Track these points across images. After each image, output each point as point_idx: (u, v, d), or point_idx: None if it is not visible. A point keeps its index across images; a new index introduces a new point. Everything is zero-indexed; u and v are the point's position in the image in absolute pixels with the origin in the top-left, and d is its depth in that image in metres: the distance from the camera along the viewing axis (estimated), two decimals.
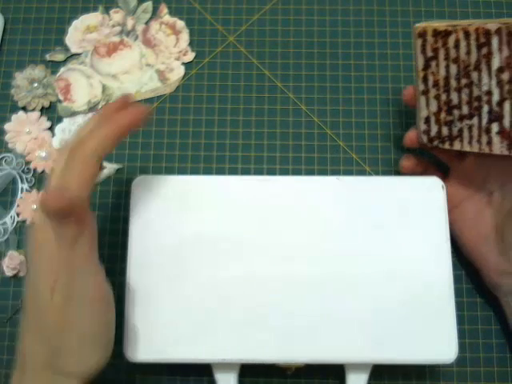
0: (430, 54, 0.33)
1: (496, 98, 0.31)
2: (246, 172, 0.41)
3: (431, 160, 0.39)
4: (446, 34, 0.32)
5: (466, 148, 0.33)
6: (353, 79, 0.43)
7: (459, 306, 0.37)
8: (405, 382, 0.37)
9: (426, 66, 0.34)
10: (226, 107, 0.43)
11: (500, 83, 0.31)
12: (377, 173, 0.41)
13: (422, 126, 0.35)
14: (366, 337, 0.32)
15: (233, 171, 0.41)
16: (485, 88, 0.32)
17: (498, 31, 0.30)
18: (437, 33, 0.33)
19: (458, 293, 0.38)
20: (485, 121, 0.32)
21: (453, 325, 0.32)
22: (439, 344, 0.32)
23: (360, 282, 0.33)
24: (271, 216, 0.34)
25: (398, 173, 0.40)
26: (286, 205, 0.34)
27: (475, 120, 0.33)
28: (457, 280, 0.36)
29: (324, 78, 0.43)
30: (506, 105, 0.31)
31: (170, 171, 0.41)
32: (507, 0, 0.44)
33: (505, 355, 0.37)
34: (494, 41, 0.31)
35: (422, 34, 0.33)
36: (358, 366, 0.33)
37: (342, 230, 0.34)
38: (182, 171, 0.41)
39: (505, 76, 0.31)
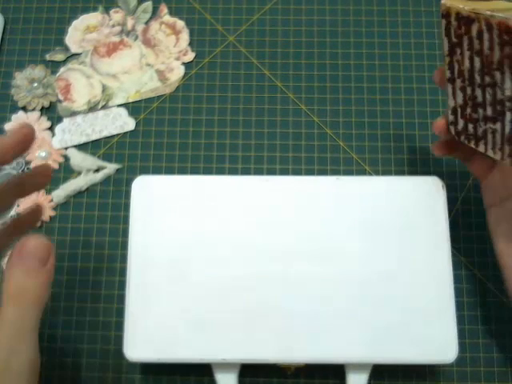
0: (454, 39, 0.29)
1: None
2: (245, 172, 0.41)
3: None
4: (468, 20, 0.27)
5: (490, 153, 0.30)
6: (352, 79, 0.43)
7: (459, 306, 0.37)
8: (405, 382, 0.37)
9: (451, 52, 0.29)
10: (226, 107, 0.42)
11: None
12: (377, 173, 0.41)
13: (450, 117, 0.32)
14: (366, 337, 0.32)
15: (233, 171, 0.41)
16: (508, 93, 0.27)
17: None
18: (460, 17, 0.27)
19: (458, 293, 0.38)
20: (507, 129, 0.28)
21: (453, 325, 0.32)
22: (439, 344, 0.32)
23: (360, 282, 0.33)
24: (271, 216, 0.34)
25: (397, 173, 0.40)
26: (286, 205, 0.34)
27: (498, 126, 0.28)
28: (457, 280, 0.36)
29: (324, 77, 0.43)
30: None
31: (170, 171, 0.41)
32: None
33: (505, 355, 0.37)
34: None
35: (446, 16, 0.28)
36: (358, 366, 0.33)
37: (342, 229, 0.34)
38: (181, 171, 0.41)
39: None
